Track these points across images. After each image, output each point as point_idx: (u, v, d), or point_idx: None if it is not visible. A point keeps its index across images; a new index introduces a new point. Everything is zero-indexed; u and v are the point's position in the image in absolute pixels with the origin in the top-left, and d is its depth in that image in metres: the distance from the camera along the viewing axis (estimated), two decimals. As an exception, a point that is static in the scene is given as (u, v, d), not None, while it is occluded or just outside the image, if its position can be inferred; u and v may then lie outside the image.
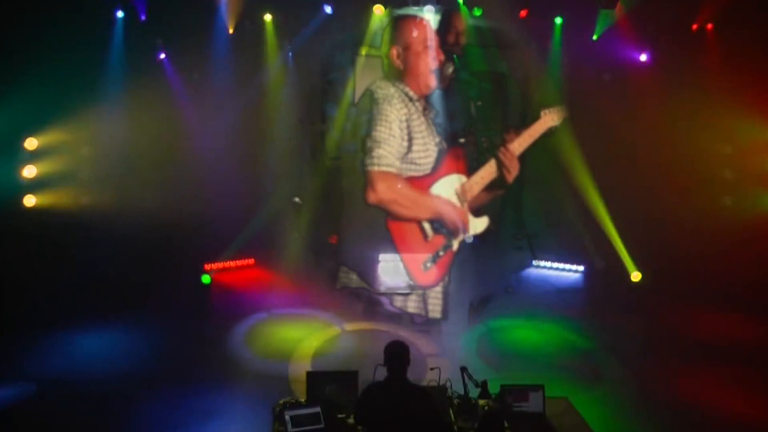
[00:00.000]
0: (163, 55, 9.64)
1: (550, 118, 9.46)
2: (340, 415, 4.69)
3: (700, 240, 9.39)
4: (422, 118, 9.04)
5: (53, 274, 8.44)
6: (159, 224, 8.97)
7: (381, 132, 8.93)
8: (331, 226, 9.63)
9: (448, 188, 9.23)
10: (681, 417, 6.47)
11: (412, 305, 9.12)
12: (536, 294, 9.95)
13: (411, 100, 9.00)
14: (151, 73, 9.50)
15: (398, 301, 9.13)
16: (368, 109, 9.09)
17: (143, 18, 9.10)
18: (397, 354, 4.44)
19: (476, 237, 9.36)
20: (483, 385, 5.06)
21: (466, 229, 9.21)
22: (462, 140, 9.31)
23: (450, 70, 9.15)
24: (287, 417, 4.51)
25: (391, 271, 9.19)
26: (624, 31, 9.65)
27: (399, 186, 8.99)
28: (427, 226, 9.17)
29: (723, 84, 9.19)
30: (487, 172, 9.36)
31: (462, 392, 4.95)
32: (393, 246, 9.18)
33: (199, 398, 6.53)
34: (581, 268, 10.71)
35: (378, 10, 9.09)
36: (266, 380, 6.92)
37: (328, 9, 9.27)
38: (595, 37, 9.77)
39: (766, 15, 8.75)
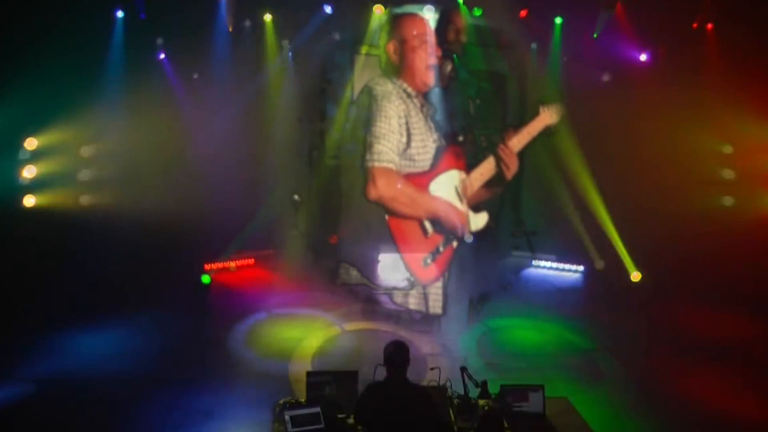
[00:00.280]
0: (162, 55, 9.64)
1: (548, 116, 9.48)
2: (340, 415, 4.69)
3: (700, 240, 9.39)
4: (420, 115, 9.05)
5: (53, 274, 8.42)
6: (159, 224, 8.96)
7: (380, 128, 8.94)
8: (331, 224, 9.64)
9: (447, 185, 9.24)
10: (681, 417, 6.47)
11: (412, 301, 9.13)
12: (536, 294, 9.95)
13: (409, 96, 9.01)
14: (150, 73, 9.51)
15: (398, 297, 9.15)
16: (367, 106, 9.10)
17: (143, 16, 9.10)
18: (397, 354, 4.44)
19: (476, 234, 9.38)
20: (483, 385, 5.06)
21: (465, 231, 9.22)
22: (461, 138, 9.32)
23: (449, 68, 9.16)
24: (287, 417, 4.50)
25: (391, 267, 9.20)
26: (624, 31, 9.66)
27: (399, 184, 9.00)
28: (427, 223, 9.19)
29: (723, 83, 9.19)
30: (486, 168, 9.38)
31: (462, 392, 4.95)
32: (393, 243, 9.19)
33: (199, 398, 6.53)
34: (581, 268, 10.72)
35: (378, 9, 9.10)
36: (266, 380, 6.91)
37: (327, 9, 9.28)
38: (594, 35, 9.78)
39: (766, 14, 8.74)
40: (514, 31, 9.46)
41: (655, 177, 9.78)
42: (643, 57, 9.96)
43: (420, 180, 9.14)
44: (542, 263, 11.02)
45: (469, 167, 9.37)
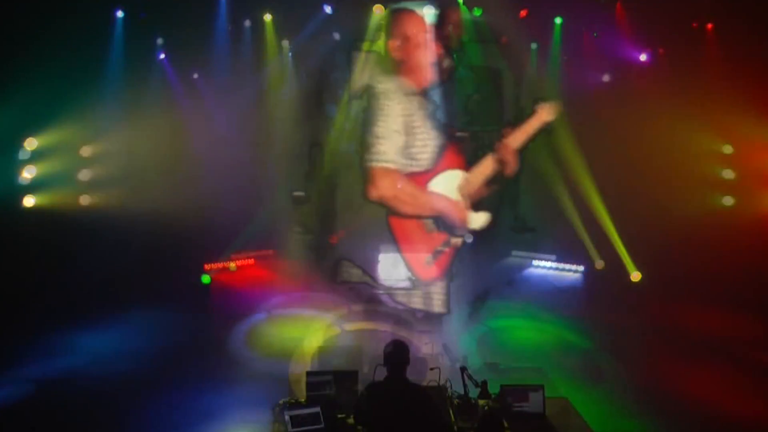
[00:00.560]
0: (162, 55, 9.64)
1: (546, 113, 9.47)
2: (340, 415, 4.69)
3: (700, 240, 9.38)
4: (420, 113, 9.06)
5: (53, 274, 8.43)
6: (159, 224, 8.97)
7: (381, 127, 8.95)
8: (332, 223, 9.65)
9: (448, 183, 9.25)
10: (681, 416, 6.46)
11: (414, 300, 9.14)
12: (536, 294, 9.95)
13: (409, 94, 9.03)
14: (150, 73, 9.51)
15: (400, 296, 9.15)
16: (367, 105, 9.11)
17: (142, 15, 9.10)
18: (397, 354, 4.44)
19: (476, 232, 9.38)
20: (483, 385, 5.06)
21: (465, 228, 9.23)
22: (461, 135, 9.34)
23: (448, 65, 9.17)
24: (287, 417, 4.51)
25: (392, 266, 9.21)
26: (624, 31, 9.66)
27: (400, 183, 9.01)
28: (428, 221, 9.20)
29: (723, 83, 9.19)
30: (486, 166, 9.37)
31: (462, 392, 4.95)
32: (395, 242, 9.20)
33: (199, 398, 6.53)
34: (581, 267, 10.72)
35: (378, 9, 9.11)
36: (266, 380, 6.91)
37: (327, 9, 9.28)
38: (594, 35, 9.78)
39: (766, 14, 8.74)
40: (513, 30, 9.46)
41: (655, 177, 9.78)
42: (643, 57, 9.96)
43: (420, 178, 9.14)
44: (542, 263, 11.02)
45: (468, 164, 9.38)
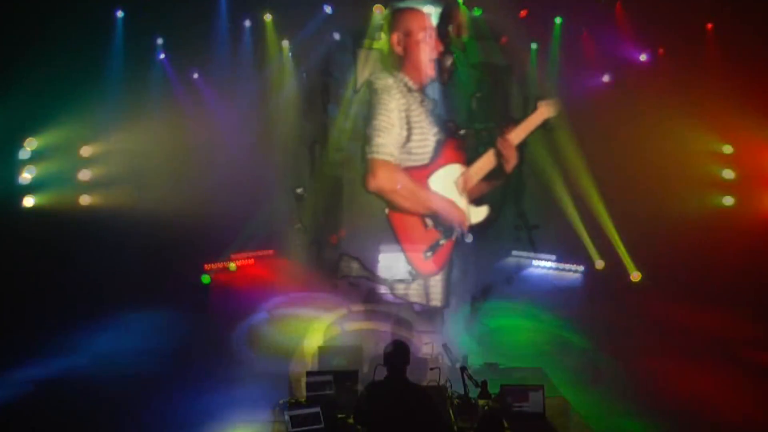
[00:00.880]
0: (162, 55, 9.64)
1: (546, 110, 9.51)
2: (340, 415, 4.70)
3: (700, 240, 9.38)
4: (420, 108, 9.11)
5: (52, 274, 8.43)
6: (159, 224, 8.96)
7: (381, 121, 8.98)
8: (333, 219, 9.68)
9: (447, 178, 9.29)
10: (681, 416, 6.46)
11: (413, 293, 9.17)
12: (536, 293, 9.94)
13: (410, 90, 9.06)
14: (150, 73, 9.51)
15: (399, 290, 9.18)
16: (367, 100, 9.15)
17: (142, 15, 9.10)
18: (397, 354, 4.45)
19: (476, 227, 9.41)
20: (483, 385, 5.07)
21: (464, 229, 9.26)
22: (461, 132, 9.37)
23: (449, 62, 9.21)
24: (287, 417, 4.52)
25: (392, 260, 9.23)
26: (624, 30, 9.66)
27: (399, 180, 9.04)
28: (427, 218, 9.23)
29: (723, 83, 9.18)
30: (486, 162, 9.42)
31: (462, 392, 4.96)
32: (394, 236, 9.23)
33: (199, 398, 6.53)
34: (581, 267, 10.71)
35: (378, 9, 9.13)
36: (266, 380, 6.91)
37: (327, 9, 9.29)
38: (593, 34, 9.78)
39: (766, 14, 8.74)
40: (513, 30, 9.47)
41: (655, 177, 9.77)
42: (643, 57, 9.96)
43: (419, 174, 9.17)
44: (542, 263, 11.01)
45: (469, 161, 9.41)
